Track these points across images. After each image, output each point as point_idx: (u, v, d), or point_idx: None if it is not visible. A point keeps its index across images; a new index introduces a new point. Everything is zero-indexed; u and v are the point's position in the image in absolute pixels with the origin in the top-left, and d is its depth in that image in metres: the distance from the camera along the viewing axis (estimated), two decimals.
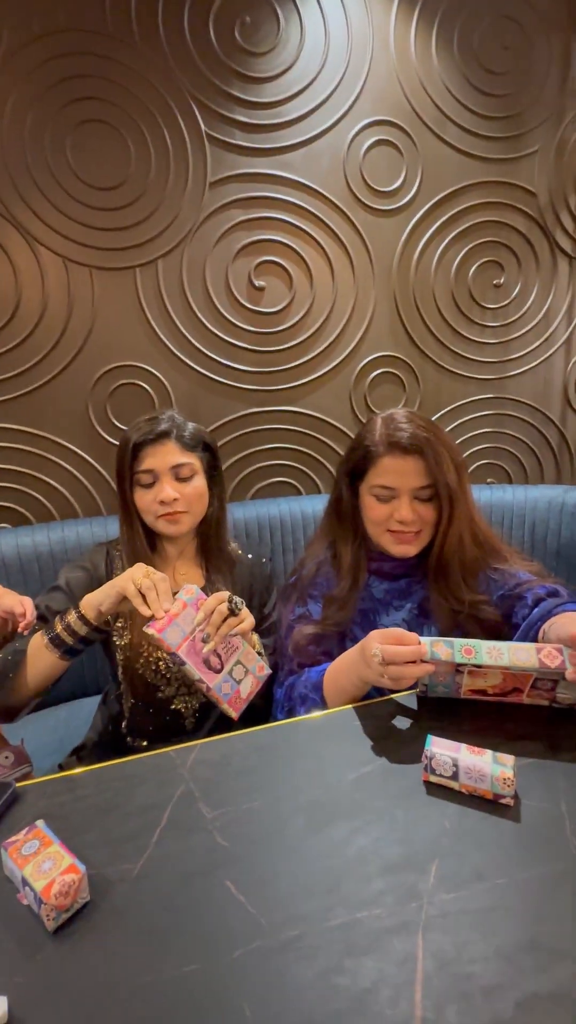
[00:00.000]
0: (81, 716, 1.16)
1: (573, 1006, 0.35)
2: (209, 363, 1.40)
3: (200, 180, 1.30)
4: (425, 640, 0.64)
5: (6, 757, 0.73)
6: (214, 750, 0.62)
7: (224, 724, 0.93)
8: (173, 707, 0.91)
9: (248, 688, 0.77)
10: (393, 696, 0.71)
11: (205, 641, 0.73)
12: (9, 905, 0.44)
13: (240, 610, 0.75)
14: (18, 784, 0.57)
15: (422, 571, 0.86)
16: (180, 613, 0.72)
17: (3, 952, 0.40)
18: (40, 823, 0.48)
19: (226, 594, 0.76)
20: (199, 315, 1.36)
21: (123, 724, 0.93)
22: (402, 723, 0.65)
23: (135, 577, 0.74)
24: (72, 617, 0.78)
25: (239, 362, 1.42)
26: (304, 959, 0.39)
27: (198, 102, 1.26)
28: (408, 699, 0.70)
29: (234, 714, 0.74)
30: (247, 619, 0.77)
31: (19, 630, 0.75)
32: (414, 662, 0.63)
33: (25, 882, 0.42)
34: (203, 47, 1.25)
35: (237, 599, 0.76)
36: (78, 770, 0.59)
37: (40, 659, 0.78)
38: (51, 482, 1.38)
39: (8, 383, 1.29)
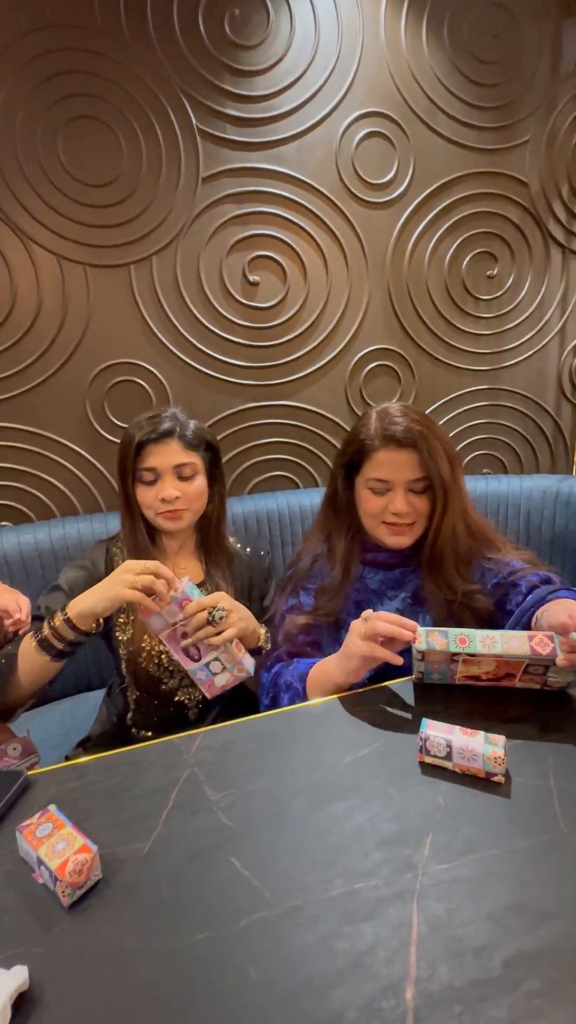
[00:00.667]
0: (86, 709, 1.18)
1: (557, 961, 0.37)
2: (205, 359, 1.41)
3: (192, 175, 1.30)
4: (420, 630, 0.67)
5: (14, 748, 0.75)
6: (217, 737, 0.64)
7: (226, 714, 0.96)
8: (177, 699, 0.93)
9: (223, 681, 0.79)
10: (389, 684, 0.73)
11: (184, 636, 0.76)
12: (26, 884, 0.46)
13: (218, 623, 0.75)
14: (29, 772, 0.59)
15: (416, 561, 0.88)
16: (164, 608, 0.75)
17: (22, 926, 0.42)
18: (52, 807, 0.50)
19: (209, 602, 0.76)
20: (194, 311, 1.37)
21: (128, 716, 0.95)
22: (398, 709, 0.67)
23: (127, 581, 0.72)
24: (58, 621, 0.75)
25: (235, 357, 1.43)
26: (305, 926, 0.41)
27: (189, 97, 1.26)
28: (404, 686, 0.72)
29: (208, 695, 0.79)
30: (224, 634, 0.76)
31: (12, 630, 0.76)
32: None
33: (40, 862, 0.44)
34: (193, 41, 1.24)
35: (219, 612, 0.75)
36: (86, 758, 0.62)
37: (31, 661, 0.77)
38: (51, 480, 1.39)
39: (5, 382, 1.30)
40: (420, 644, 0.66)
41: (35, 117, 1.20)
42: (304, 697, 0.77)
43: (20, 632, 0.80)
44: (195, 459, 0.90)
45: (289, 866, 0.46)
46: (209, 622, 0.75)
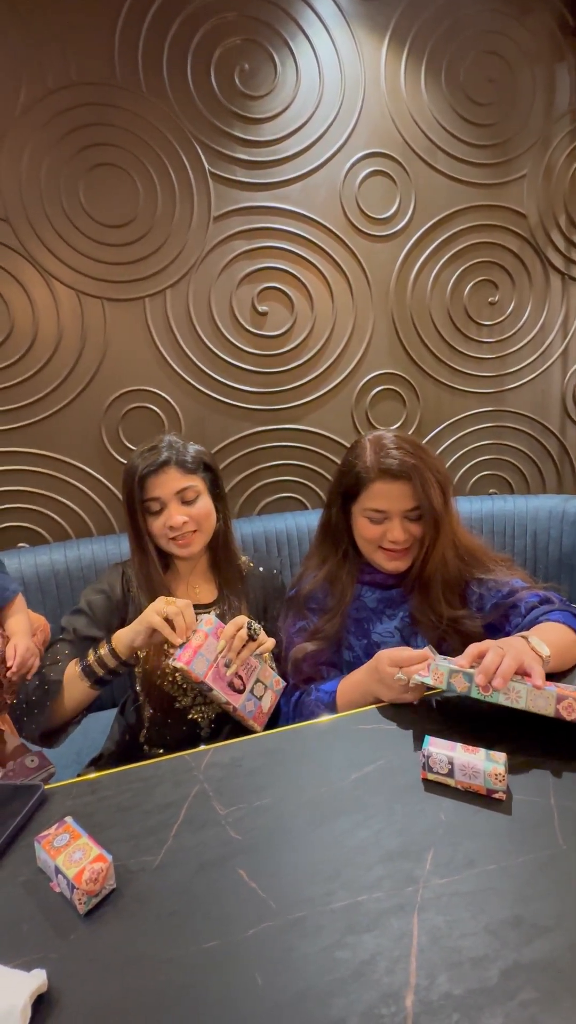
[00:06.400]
0: (97, 728, 1.20)
1: (553, 973, 0.38)
2: (216, 385, 1.47)
3: (204, 215, 1.38)
4: (442, 668, 0.67)
5: (31, 760, 0.78)
6: (225, 753, 0.66)
7: (237, 732, 0.98)
8: (190, 717, 0.95)
9: (268, 702, 0.83)
10: (392, 702, 0.75)
11: (228, 666, 0.79)
12: (44, 893, 0.48)
13: (258, 634, 0.81)
14: (45, 786, 0.62)
15: (410, 580, 0.90)
16: (203, 644, 0.78)
17: (40, 933, 0.44)
18: (69, 819, 0.53)
19: (244, 620, 0.81)
20: (205, 340, 1.43)
21: (141, 734, 0.97)
22: (402, 726, 0.69)
23: (159, 609, 0.79)
24: (104, 650, 0.83)
25: (244, 383, 1.49)
26: (309, 936, 0.43)
27: (201, 143, 1.35)
28: (408, 704, 0.73)
29: (259, 728, 0.81)
30: (266, 642, 0.82)
31: (9, 675, 0.79)
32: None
33: (58, 871, 0.47)
34: (205, 93, 1.33)
35: (255, 624, 0.81)
36: (98, 774, 0.64)
37: (74, 687, 0.84)
38: (67, 502, 1.44)
39: (26, 409, 1.37)
40: (441, 684, 0.67)
41: (59, 166, 1.28)
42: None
43: (15, 678, 0.81)
44: (196, 481, 0.93)
45: (294, 878, 0.48)
46: (251, 638, 0.79)
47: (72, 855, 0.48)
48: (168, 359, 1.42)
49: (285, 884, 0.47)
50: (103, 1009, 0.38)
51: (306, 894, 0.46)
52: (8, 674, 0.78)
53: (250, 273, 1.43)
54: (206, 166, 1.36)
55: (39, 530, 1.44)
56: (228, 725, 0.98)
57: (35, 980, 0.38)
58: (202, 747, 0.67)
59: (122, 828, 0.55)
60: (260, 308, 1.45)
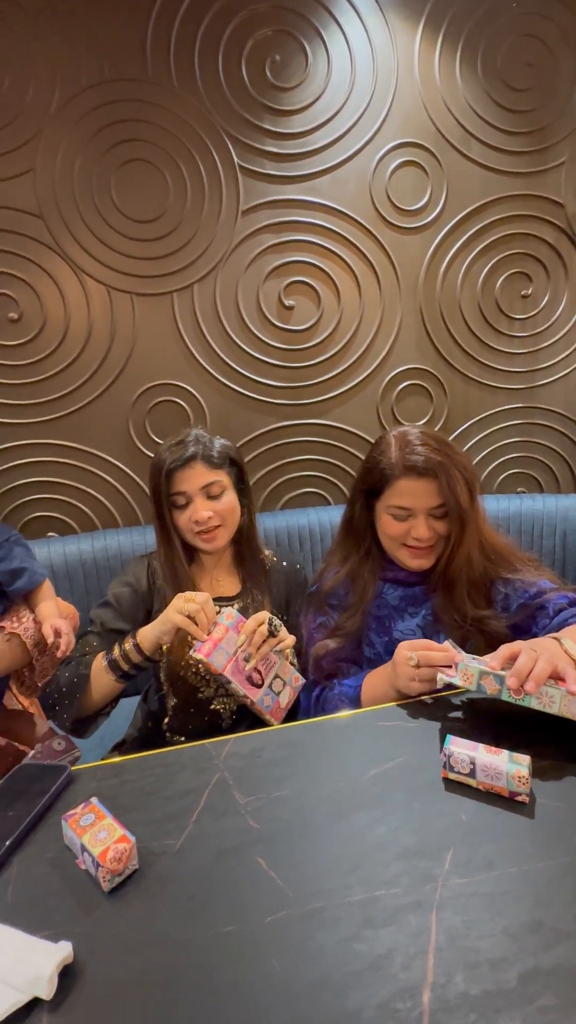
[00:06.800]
0: (120, 714, 1.23)
1: (572, 979, 0.38)
2: (241, 379, 1.47)
3: (232, 209, 1.38)
4: (472, 669, 0.66)
5: (59, 743, 0.81)
6: (246, 744, 0.67)
7: (258, 724, 0.99)
8: (212, 707, 0.96)
9: (287, 698, 0.84)
10: (415, 699, 0.74)
11: (247, 660, 0.80)
12: (70, 870, 0.50)
13: (279, 631, 0.82)
14: (71, 768, 0.64)
15: (435, 578, 0.89)
16: (224, 637, 0.79)
17: (66, 907, 0.46)
18: (94, 800, 0.54)
19: (265, 615, 0.82)
20: (231, 335, 1.44)
21: (164, 722, 0.99)
22: (424, 724, 0.69)
23: (179, 607, 0.80)
24: (129, 645, 0.85)
25: (270, 378, 1.49)
26: (327, 927, 0.43)
27: (231, 137, 1.35)
28: (430, 701, 0.73)
29: (275, 723, 0.82)
30: (287, 639, 0.83)
31: (59, 655, 0.83)
32: (449, 665, 0.68)
33: (84, 848, 0.48)
34: (236, 86, 1.33)
35: (275, 620, 0.82)
36: (123, 758, 0.66)
37: (100, 680, 0.86)
38: (94, 494, 1.48)
39: (57, 402, 1.40)
40: (470, 685, 0.66)
41: (91, 163, 1.30)
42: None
43: (59, 655, 0.85)
44: (221, 476, 0.93)
45: (312, 870, 0.48)
46: (271, 633, 0.80)
47: (97, 834, 0.49)
48: (195, 353, 1.44)
49: (303, 875, 0.48)
50: (124, 984, 0.40)
51: (324, 886, 0.47)
52: (58, 653, 0.81)
53: (277, 267, 1.43)
54: (235, 159, 1.36)
55: (68, 520, 1.48)
56: (249, 717, 0.99)
57: (61, 951, 0.40)
58: (223, 736, 0.68)
59: (144, 812, 0.57)
60: (287, 302, 1.44)
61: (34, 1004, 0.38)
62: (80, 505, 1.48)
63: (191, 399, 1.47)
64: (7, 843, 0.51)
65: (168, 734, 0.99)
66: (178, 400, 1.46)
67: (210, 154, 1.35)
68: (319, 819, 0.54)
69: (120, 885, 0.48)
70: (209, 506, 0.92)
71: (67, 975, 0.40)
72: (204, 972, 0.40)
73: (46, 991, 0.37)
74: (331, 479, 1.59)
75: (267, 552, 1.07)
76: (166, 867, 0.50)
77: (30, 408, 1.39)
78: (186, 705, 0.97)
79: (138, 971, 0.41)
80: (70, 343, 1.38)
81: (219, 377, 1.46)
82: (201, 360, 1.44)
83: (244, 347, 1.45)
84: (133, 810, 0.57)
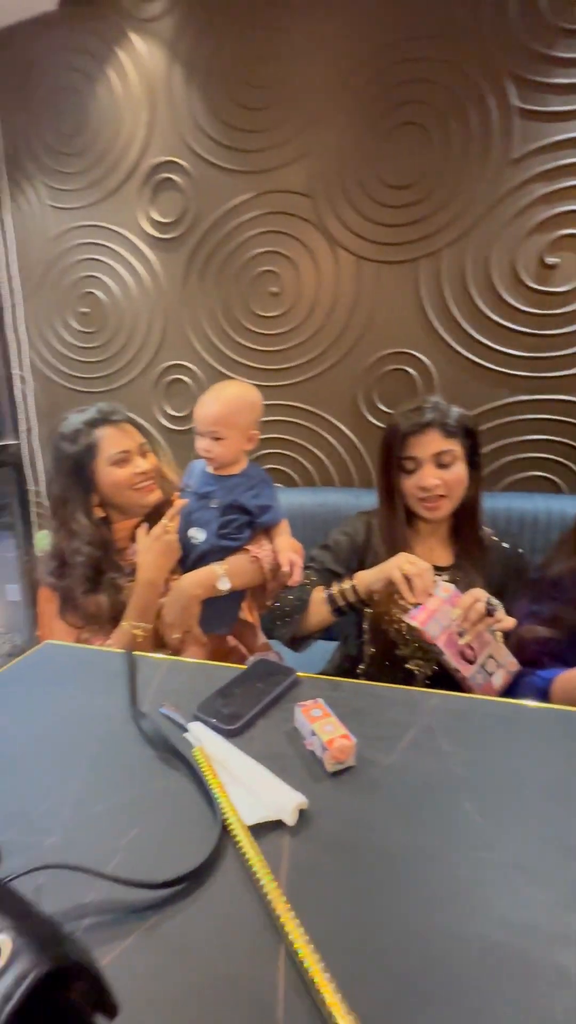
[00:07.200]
0: (317, 654, 1.36)
1: None
2: (478, 348, 1.40)
3: (499, 159, 1.29)
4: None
5: (276, 656, 0.95)
6: (453, 703, 0.67)
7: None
8: (407, 666, 0.98)
9: (500, 681, 0.81)
10: None
11: (461, 635, 0.80)
12: (299, 747, 0.59)
13: (496, 611, 0.79)
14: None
15: None
16: (438, 608, 0.80)
17: (297, 772, 0.55)
18: (320, 700, 0.63)
19: (483, 593, 0.80)
20: (476, 299, 1.37)
21: (359, 667, 1.06)
22: None
23: (401, 565, 0.83)
24: (347, 585, 0.93)
25: (511, 347, 1.38)
26: (538, 883, 0.42)
27: (512, 76, 1.25)
28: None
29: None
30: (504, 620, 0.79)
31: (290, 583, 0.94)
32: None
33: (313, 733, 0.57)
34: (528, 10, 1.21)
35: (493, 600, 0.79)
36: (340, 679, 0.74)
37: (317, 609, 0.96)
38: (317, 453, 1.61)
39: (298, 368, 1.56)
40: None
41: (363, 136, 1.37)
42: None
43: (290, 583, 0.96)
44: (455, 446, 0.91)
45: (521, 833, 0.48)
46: (488, 612, 0.78)
47: (324, 726, 0.57)
48: (432, 319, 1.41)
49: (513, 835, 0.48)
50: (342, 845, 0.46)
51: (535, 854, 0.46)
52: (290, 581, 0.94)
53: (543, 221, 1.29)
54: (513, 101, 1.25)
55: (291, 473, 1.65)
56: (446, 685, 0.99)
57: (300, 797, 0.49)
58: (430, 690, 0.71)
59: (357, 726, 0.62)
60: (548, 260, 1.30)
61: (278, 824, 0.48)
62: (303, 461, 1.63)
63: (421, 368, 1.46)
64: (257, 707, 0.63)
65: (362, 680, 1.06)
66: (408, 368, 1.47)
67: (484, 101, 1.27)
68: (530, 795, 0.52)
69: (338, 772, 0.55)
70: (438, 474, 0.91)
71: (299, 822, 0.49)
72: (417, 867, 0.44)
73: (290, 818, 0.47)
74: (567, 463, 1.41)
75: (487, 530, 1.03)
76: (379, 773, 0.55)
77: (276, 372, 1.58)
78: (382, 657, 1.01)
79: (348, 849, 0.46)
80: (318, 313, 1.50)
81: (454, 344, 1.41)
82: (438, 327, 1.42)
83: (487, 312, 1.37)
84: (347, 721, 0.64)
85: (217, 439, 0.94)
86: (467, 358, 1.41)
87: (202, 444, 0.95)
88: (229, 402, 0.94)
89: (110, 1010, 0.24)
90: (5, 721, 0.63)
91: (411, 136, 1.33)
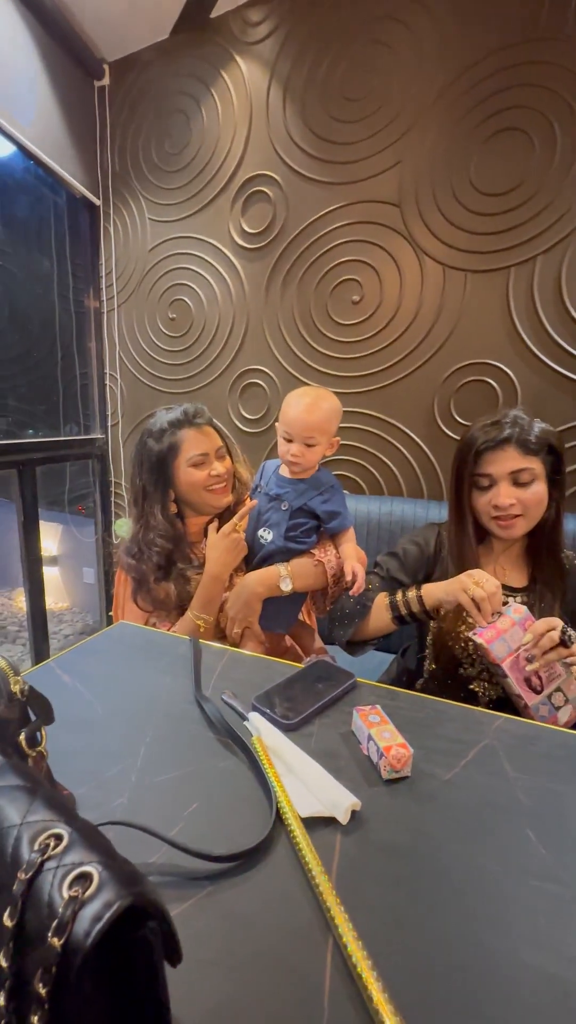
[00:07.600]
0: (372, 663, 1.34)
1: None
2: (568, 361, 1.33)
3: None
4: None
5: (332, 658, 0.95)
6: (521, 727, 0.64)
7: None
8: (471, 687, 0.94)
9: (566, 718, 0.76)
10: None
11: (530, 661, 0.76)
12: (355, 750, 0.60)
13: (573, 643, 0.74)
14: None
15: None
16: (508, 629, 0.76)
17: (352, 774, 0.55)
18: (379, 706, 0.63)
19: (558, 622, 0.76)
20: (570, 307, 1.30)
21: (418, 683, 1.03)
22: None
23: (468, 587, 0.81)
24: (412, 594, 0.91)
25: None
26: None
27: None
28: None
29: None
30: None
31: (352, 592, 0.94)
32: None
33: (370, 738, 0.57)
34: None
35: (570, 631, 0.75)
36: (399, 689, 0.73)
37: (378, 614, 0.95)
38: (387, 462, 1.59)
39: (373, 376, 1.55)
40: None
41: (457, 145, 1.35)
42: None
43: (352, 592, 0.96)
44: (534, 464, 0.86)
45: None
46: (563, 642, 0.75)
47: (382, 733, 0.57)
48: (519, 330, 1.36)
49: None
50: (395, 850, 0.46)
51: None
52: (352, 591, 0.94)
53: None
54: None
55: (359, 481, 1.65)
56: (508, 711, 0.95)
57: (354, 798, 0.49)
58: (494, 712, 0.68)
59: (416, 738, 0.62)
60: None
61: (330, 821, 0.48)
62: (373, 470, 1.62)
63: (504, 379, 1.40)
64: (316, 706, 0.64)
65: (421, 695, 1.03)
66: (489, 380, 1.42)
67: None
68: None
69: (392, 780, 0.55)
70: (514, 493, 0.87)
71: (350, 822, 0.49)
72: (467, 882, 0.43)
73: (343, 817, 0.47)
74: None
75: (568, 552, 0.97)
76: (435, 788, 0.54)
77: (352, 379, 1.59)
78: (444, 675, 0.98)
79: (407, 846, 0.46)
80: (398, 322, 1.49)
81: (541, 356, 1.35)
82: (525, 336, 1.36)
83: None
84: (404, 731, 0.63)
85: (310, 446, 0.95)
86: (555, 370, 1.34)
87: (293, 449, 0.95)
88: (326, 410, 0.95)
89: (176, 957, 0.26)
90: (82, 688, 0.68)
91: (510, 142, 1.29)
